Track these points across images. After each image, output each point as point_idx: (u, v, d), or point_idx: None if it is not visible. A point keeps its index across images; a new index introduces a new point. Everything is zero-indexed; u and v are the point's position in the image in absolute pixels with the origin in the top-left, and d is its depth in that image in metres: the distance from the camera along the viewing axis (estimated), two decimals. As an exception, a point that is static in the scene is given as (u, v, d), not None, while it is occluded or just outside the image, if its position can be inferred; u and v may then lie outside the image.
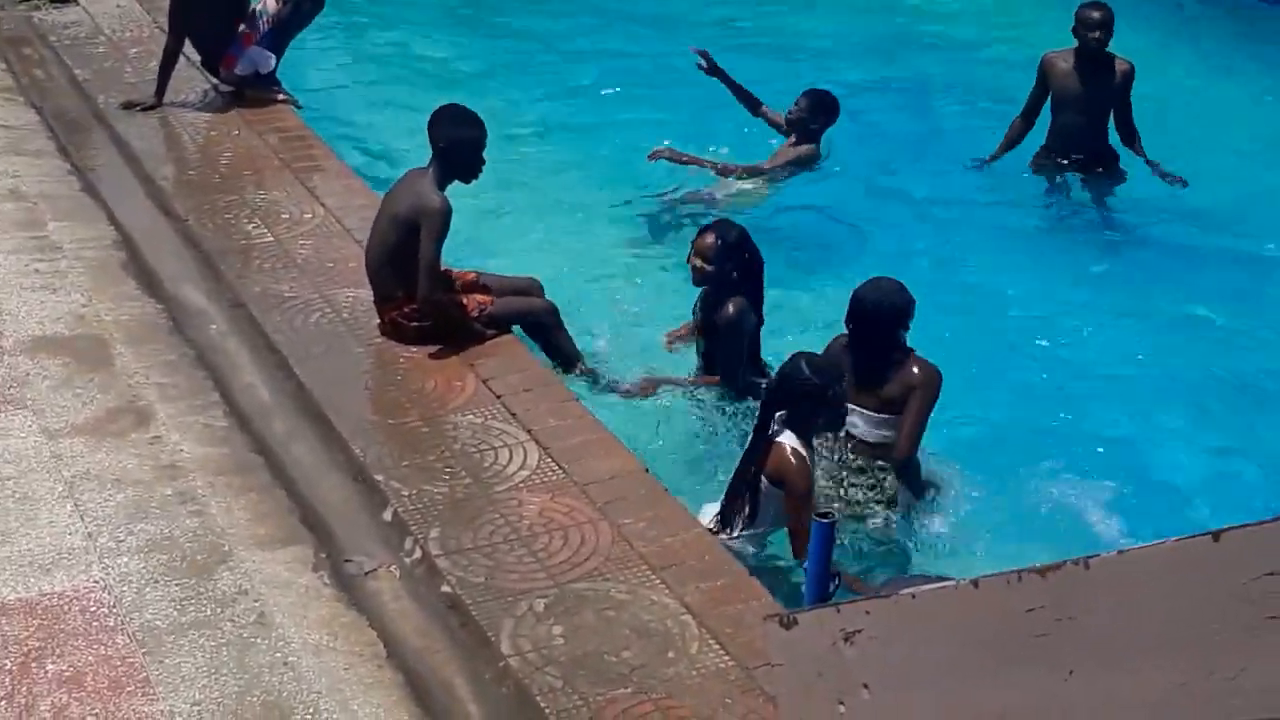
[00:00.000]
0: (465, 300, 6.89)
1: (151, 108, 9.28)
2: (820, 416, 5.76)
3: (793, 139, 9.08)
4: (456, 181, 6.76)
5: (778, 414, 5.72)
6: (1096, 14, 8.73)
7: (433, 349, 6.75)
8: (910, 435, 6.05)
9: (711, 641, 5.01)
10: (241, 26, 9.37)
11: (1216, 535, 2.81)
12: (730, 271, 6.64)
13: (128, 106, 9.28)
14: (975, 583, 3.21)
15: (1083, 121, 9.02)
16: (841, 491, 6.12)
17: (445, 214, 6.59)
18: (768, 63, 11.00)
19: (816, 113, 9.01)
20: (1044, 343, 7.87)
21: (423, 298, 6.64)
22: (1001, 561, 4.52)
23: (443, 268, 6.79)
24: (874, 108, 10.56)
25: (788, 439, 5.69)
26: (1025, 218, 9.12)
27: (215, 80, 9.60)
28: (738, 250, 6.64)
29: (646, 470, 6.01)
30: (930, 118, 10.89)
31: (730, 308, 6.64)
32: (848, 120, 9.24)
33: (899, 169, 9.80)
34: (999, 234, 8.90)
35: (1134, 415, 7.26)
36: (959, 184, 9.41)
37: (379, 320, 6.89)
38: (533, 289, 7.21)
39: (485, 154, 6.80)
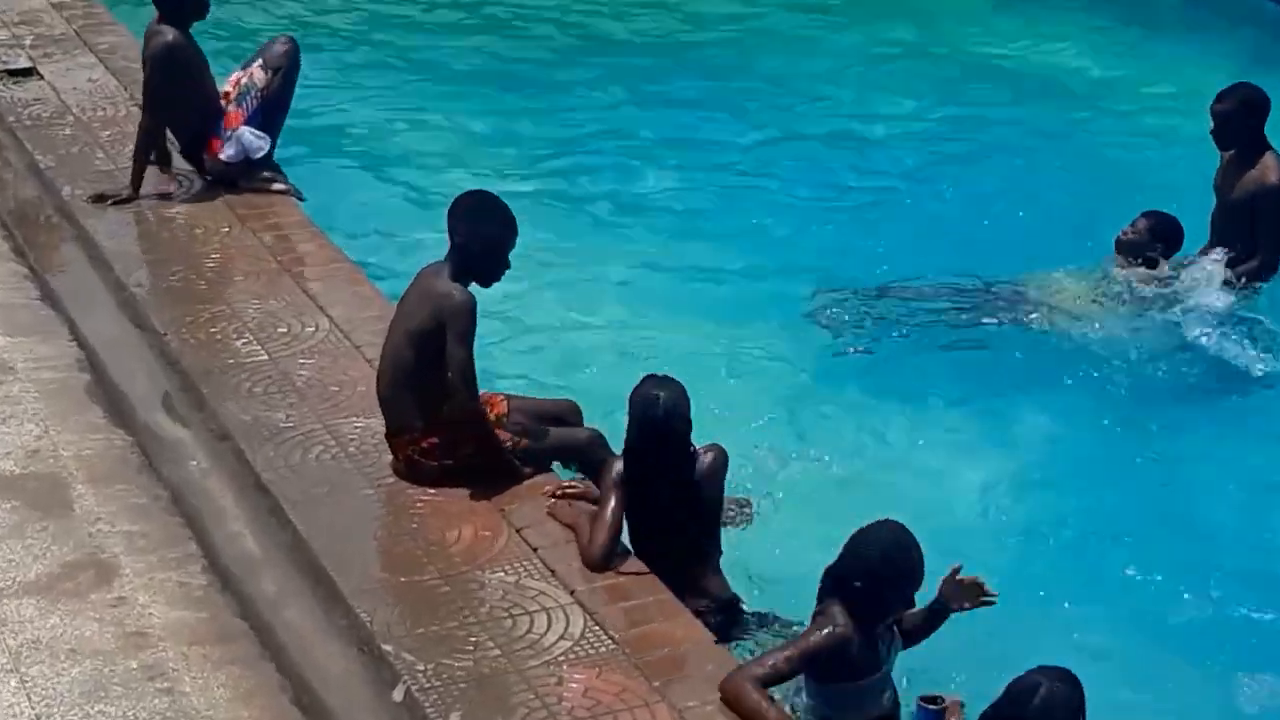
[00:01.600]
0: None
1: (126, 200, 9.41)
2: None
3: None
4: (473, 284, 6.81)
5: None
6: None
7: (457, 491, 6.76)
8: None
9: None
10: (227, 105, 9.45)
11: None
12: None
13: (99, 199, 9.41)
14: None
15: None
16: None
17: (470, 309, 6.65)
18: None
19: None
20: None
21: (463, 409, 6.64)
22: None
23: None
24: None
25: None
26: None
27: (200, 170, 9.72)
28: None
29: (716, 640, 5.97)
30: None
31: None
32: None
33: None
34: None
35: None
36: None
37: (392, 458, 6.92)
38: (570, 416, 7.22)
39: (510, 256, 6.87)
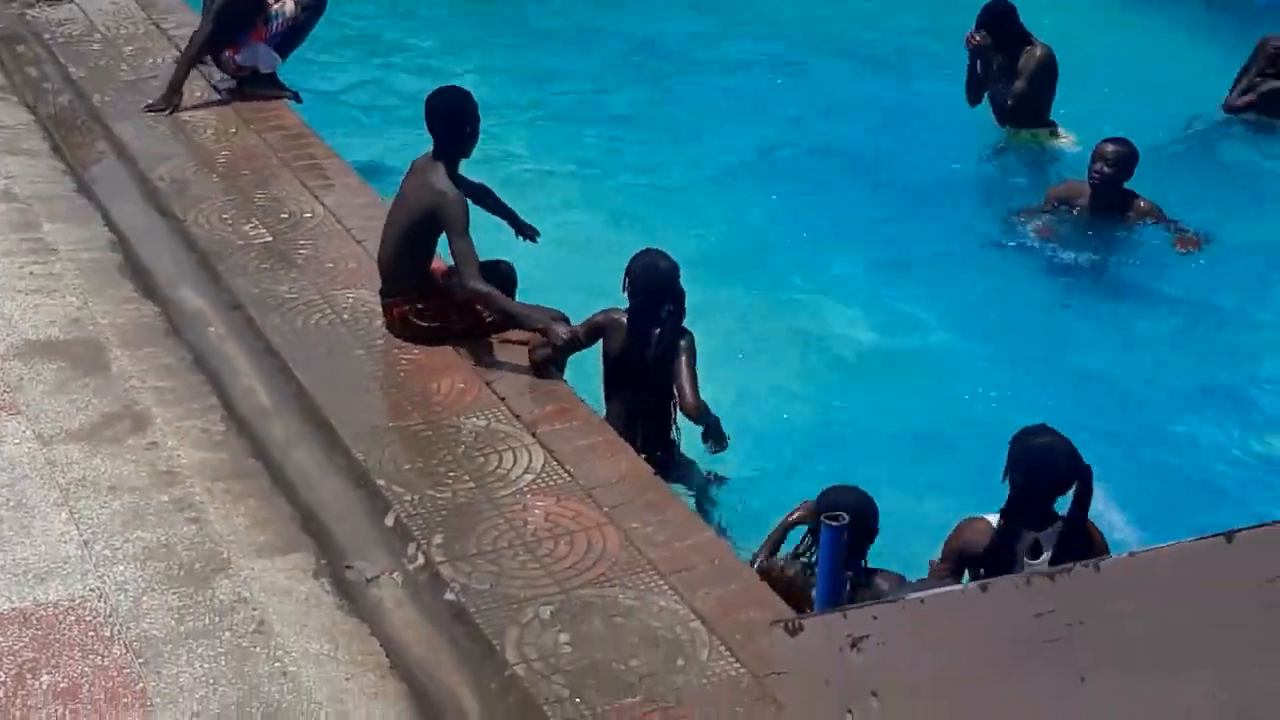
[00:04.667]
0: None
1: (173, 110, 9.29)
2: None
3: None
4: (462, 160, 6.82)
5: None
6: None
7: (437, 350, 6.77)
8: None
9: (722, 649, 5.03)
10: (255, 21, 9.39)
11: (1230, 536, 2.80)
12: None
13: (154, 109, 9.28)
14: (984, 587, 3.23)
15: None
16: None
17: (463, 205, 6.65)
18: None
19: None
20: (1052, 345, 7.92)
21: (466, 289, 6.59)
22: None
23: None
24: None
25: None
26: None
27: (214, 71, 9.60)
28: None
29: (655, 473, 6.03)
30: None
31: None
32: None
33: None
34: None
35: (1142, 415, 7.29)
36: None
37: (386, 317, 6.91)
38: (510, 275, 7.23)
39: (479, 126, 6.85)
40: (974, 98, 9.81)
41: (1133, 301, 8.42)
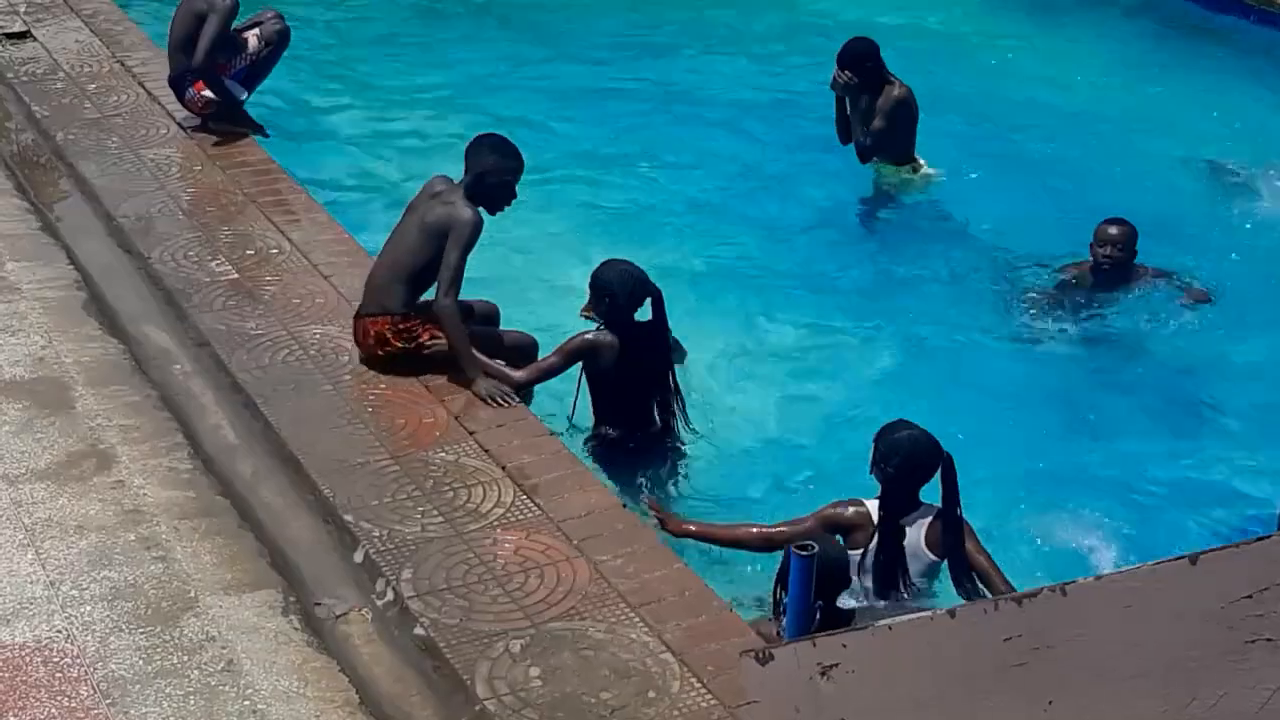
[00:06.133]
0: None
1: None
2: None
3: None
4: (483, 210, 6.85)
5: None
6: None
7: (404, 384, 6.78)
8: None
9: (693, 680, 5.05)
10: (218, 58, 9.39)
11: (1194, 559, 2.85)
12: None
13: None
14: (952, 612, 3.26)
15: None
16: None
17: (477, 226, 6.69)
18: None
19: None
20: (1008, 370, 7.95)
21: (437, 303, 6.66)
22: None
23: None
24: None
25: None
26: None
27: (179, 106, 9.61)
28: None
29: (624, 505, 6.06)
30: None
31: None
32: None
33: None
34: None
35: (1105, 439, 7.34)
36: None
37: (359, 336, 6.92)
38: (494, 316, 7.29)
39: (516, 189, 6.93)
40: (844, 136, 9.84)
41: (1133, 348, 8.27)
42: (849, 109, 9.73)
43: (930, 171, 9.91)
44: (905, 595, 5.75)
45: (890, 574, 5.73)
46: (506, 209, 7.00)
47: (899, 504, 5.75)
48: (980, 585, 5.62)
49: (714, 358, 7.90)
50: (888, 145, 9.75)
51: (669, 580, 5.56)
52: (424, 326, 6.84)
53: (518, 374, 6.80)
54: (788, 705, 3.65)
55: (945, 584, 5.76)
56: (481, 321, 7.13)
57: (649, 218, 9.65)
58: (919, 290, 8.83)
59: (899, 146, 9.79)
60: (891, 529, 5.73)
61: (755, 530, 6.01)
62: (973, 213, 9.64)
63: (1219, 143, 10.41)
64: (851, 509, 5.82)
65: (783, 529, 5.85)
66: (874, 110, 9.61)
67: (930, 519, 5.74)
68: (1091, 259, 8.48)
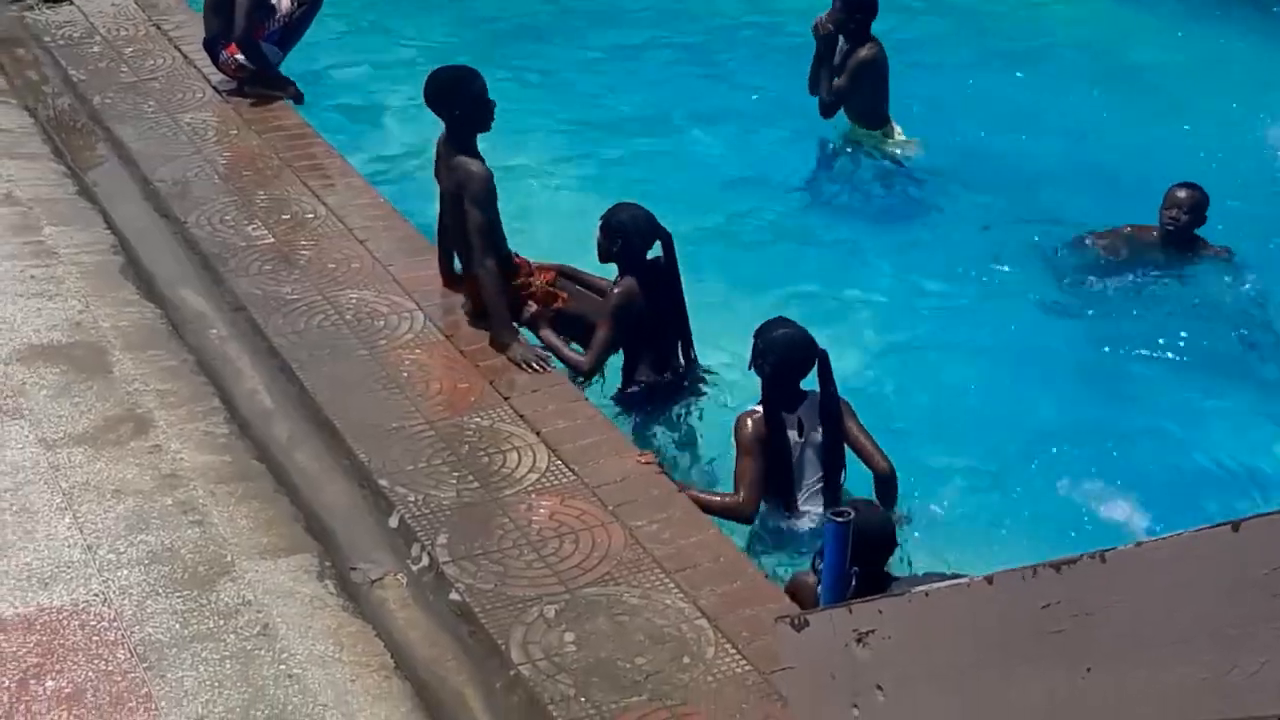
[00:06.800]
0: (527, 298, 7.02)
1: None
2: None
3: None
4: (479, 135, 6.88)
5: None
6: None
7: (439, 349, 6.79)
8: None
9: (728, 646, 5.03)
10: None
11: (1236, 525, 2.81)
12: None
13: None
14: (990, 579, 3.23)
15: None
16: None
17: (484, 180, 6.71)
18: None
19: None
20: (1049, 335, 7.87)
21: (476, 266, 6.74)
22: (1015, 558, 4.51)
23: (519, 258, 7.02)
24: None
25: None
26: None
27: (214, 70, 9.62)
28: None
29: (660, 470, 6.04)
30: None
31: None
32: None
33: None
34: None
35: (1146, 405, 7.28)
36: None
37: (469, 291, 7.03)
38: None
39: (480, 103, 6.86)
40: (812, 87, 9.60)
41: (1185, 315, 8.09)
42: (824, 61, 9.53)
43: (905, 139, 9.70)
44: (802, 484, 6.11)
45: (784, 460, 6.01)
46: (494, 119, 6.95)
47: (779, 396, 6.05)
48: (859, 456, 6.10)
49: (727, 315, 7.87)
50: (854, 105, 9.60)
51: (704, 546, 5.55)
52: (471, 289, 6.96)
53: (586, 362, 6.85)
54: (823, 671, 3.64)
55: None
56: (581, 326, 7.12)
57: (655, 183, 9.57)
58: (947, 251, 8.77)
59: (864, 106, 9.61)
60: (775, 421, 6.00)
61: (718, 499, 6.07)
62: (1003, 178, 9.53)
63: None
64: (750, 419, 6.04)
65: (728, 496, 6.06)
66: (844, 67, 9.46)
67: (816, 405, 6.10)
68: (1158, 223, 8.35)
